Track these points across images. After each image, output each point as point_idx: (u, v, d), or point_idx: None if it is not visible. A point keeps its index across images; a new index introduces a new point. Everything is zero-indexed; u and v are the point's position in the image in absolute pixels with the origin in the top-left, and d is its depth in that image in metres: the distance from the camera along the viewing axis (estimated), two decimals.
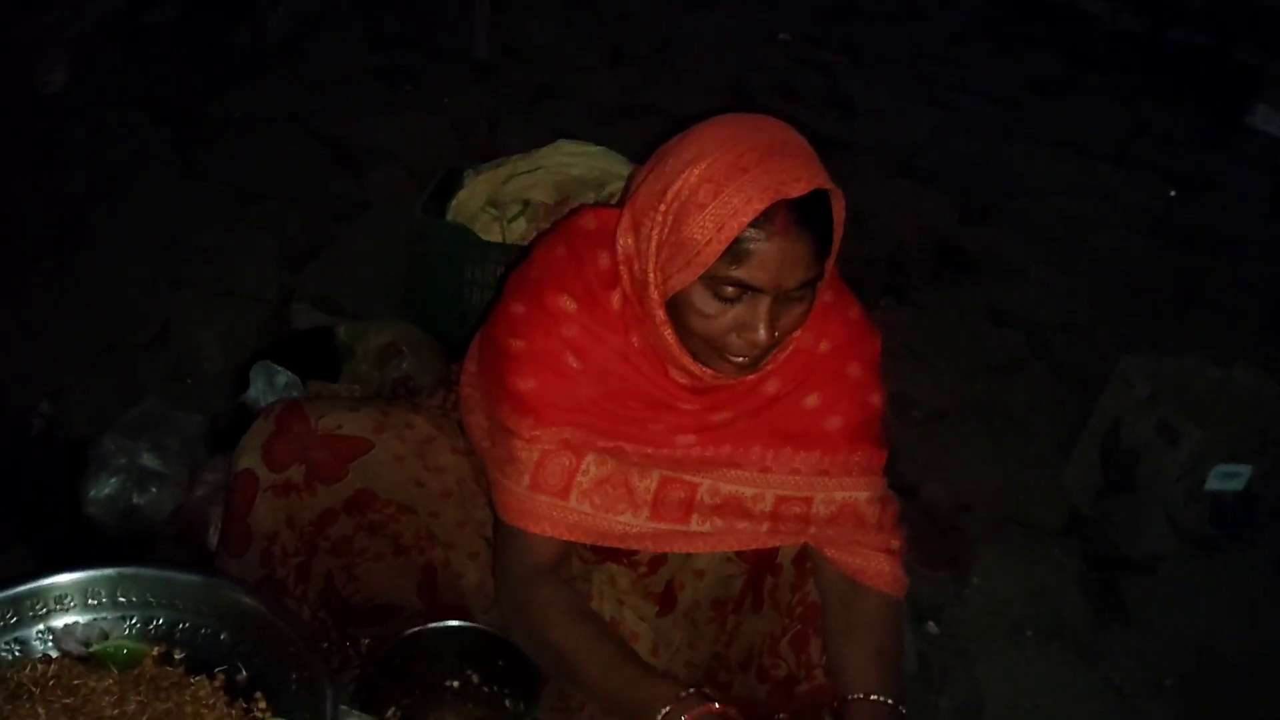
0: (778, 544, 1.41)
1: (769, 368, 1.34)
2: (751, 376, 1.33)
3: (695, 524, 1.39)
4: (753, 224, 1.17)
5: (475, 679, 1.58)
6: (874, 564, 1.39)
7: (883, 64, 4.49)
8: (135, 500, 1.96)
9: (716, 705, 1.20)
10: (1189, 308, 3.22)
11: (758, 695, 1.47)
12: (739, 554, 1.45)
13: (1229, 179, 3.96)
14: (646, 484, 1.37)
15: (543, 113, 3.65)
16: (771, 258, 1.18)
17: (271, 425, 1.45)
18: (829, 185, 1.21)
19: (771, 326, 1.22)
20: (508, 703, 1.56)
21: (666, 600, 1.51)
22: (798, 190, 1.17)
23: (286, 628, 1.23)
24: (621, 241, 1.29)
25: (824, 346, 1.39)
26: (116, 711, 1.12)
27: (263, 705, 1.21)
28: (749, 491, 1.38)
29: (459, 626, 1.57)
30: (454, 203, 2.49)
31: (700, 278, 1.20)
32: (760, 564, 1.45)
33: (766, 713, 1.48)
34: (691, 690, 1.23)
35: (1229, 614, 2.25)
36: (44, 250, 2.63)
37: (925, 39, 4.81)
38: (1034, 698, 2.00)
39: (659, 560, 1.50)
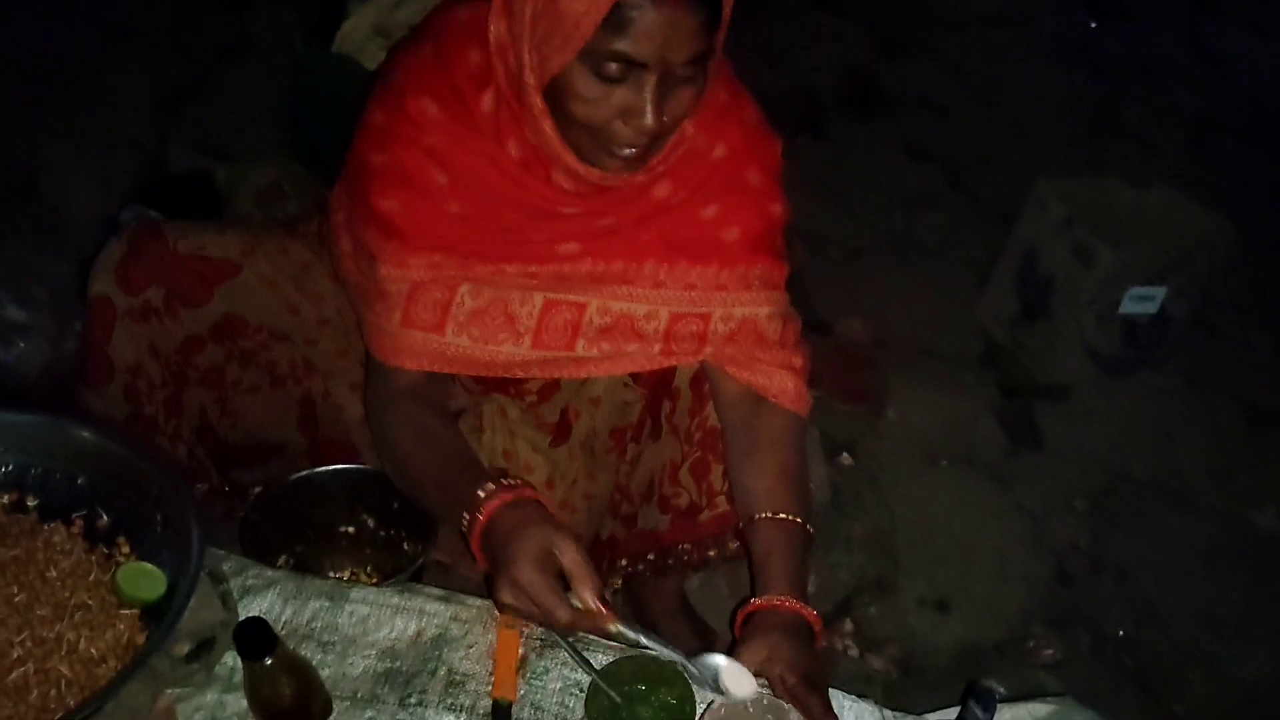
0: (672, 364, 1.33)
1: (659, 169, 1.24)
2: (641, 178, 1.23)
3: (582, 348, 1.29)
4: None
5: (370, 523, 1.52)
6: (776, 381, 1.32)
7: None
8: (1, 356, 1.83)
9: (527, 492, 1.14)
10: (1107, 135, 3.19)
11: (660, 526, 1.43)
12: (635, 379, 1.36)
13: (1148, 7, 3.89)
14: (529, 309, 1.26)
15: None
16: (655, 26, 1.06)
17: (124, 246, 1.33)
18: None
19: (659, 109, 1.10)
20: (405, 545, 1.50)
21: (561, 430, 1.44)
22: None
23: (148, 466, 1.14)
24: (493, 28, 1.16)
25: (720, 151, 1.28)
26: None
27: (125, 550, 1.13)
28: (641, 309, 1.28)
29: (349, 469, 1.50)
30: (339, 33, 2.32)
31: (579, 56, 1.08)
32: (658, 388, 1.37)
33: (670, 542, 1.44)
34: (505, 481, 1.15)
35: (1140, 435, 2.26)
36: None
37: None
38: (946, 522, 2.00)
39: (551, 388, 1.43)
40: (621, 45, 1.06)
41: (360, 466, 1.52)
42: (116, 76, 2.63)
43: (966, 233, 2.76)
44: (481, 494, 1.14)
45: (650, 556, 1.47)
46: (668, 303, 1.28)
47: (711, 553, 1.43)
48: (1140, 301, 2.23)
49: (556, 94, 1.12)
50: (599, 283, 1.27)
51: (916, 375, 2.32)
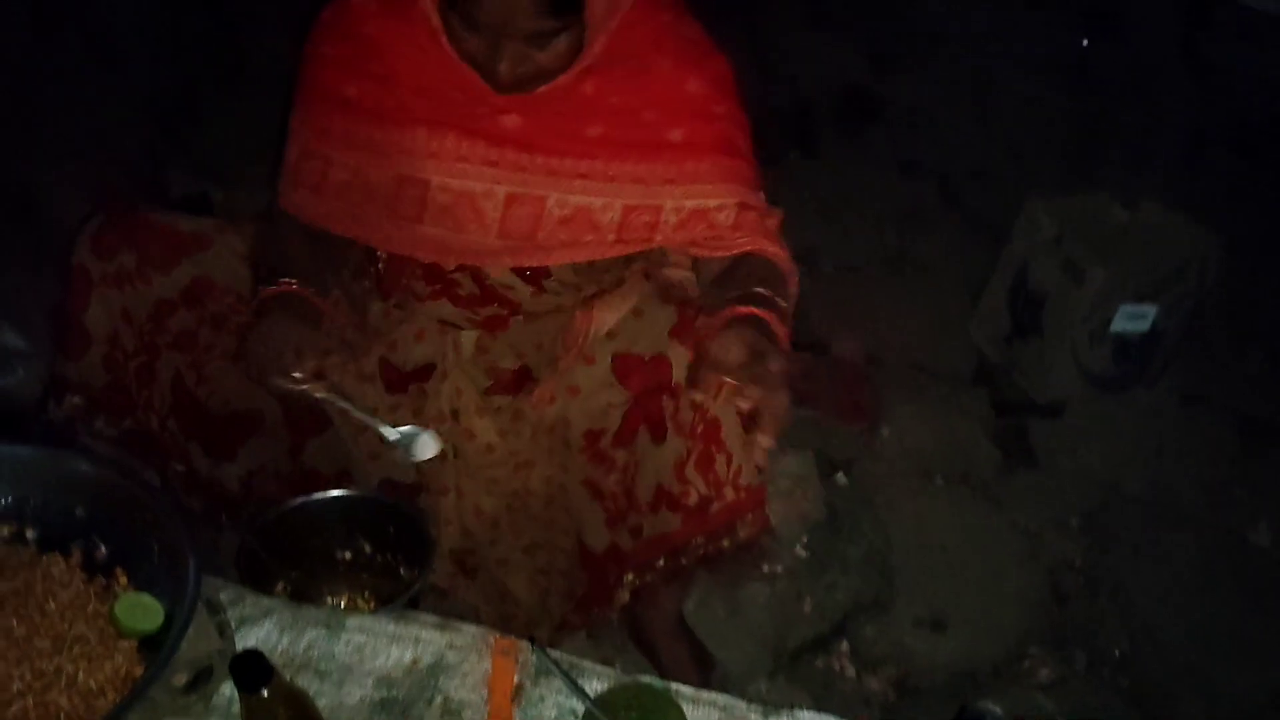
0: (623, 254, 1.42)
1: (581, 66, 1.32)
2: (562, 80, 1.32)
3: (543, 238, 1.39)
4: None
5: (367, 548, 1.53)
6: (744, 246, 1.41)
7: None
8: None
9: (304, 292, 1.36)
10: (1100, 151, 3.20)
11: (672, 527, 1.43)
12: (621, 380, 1.40)
13: (1140, 21, 3.90)
14: (493, 204, 1.37)
15: None
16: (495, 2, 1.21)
17: (101, 218, 1.45)
18: None
19: (513, 64, 1.26)
20: (402, 571, 1.51)
21: (510, 382, 1.53)
22: None
23: (145, 497, 1.15)
24: None
25: (660, 65, 1.37)
26: None
27: (123, 581, 1.14)
28: (597, 202, 1.37)
29: (345, 496, 1.51)
30: None
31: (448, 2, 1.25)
32: (651, 393, 1.39)
33: (683, 540, 1.44)
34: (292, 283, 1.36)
35: (1133, 452, 2.27)
36: None
37: None
38: (941, 541, 2.01)
39: (498, 321, 1.50)
40: (470, 7, 1.23)
41: (356, 493, 1.53)
42: (113, 99, 2.63)
43: (960, 249, 2.77)
44: (277, 286, 1.37)
45: (660, 563, 1.46)
46: (621, 195, 1.37)
47: (725, 543, 1.44)
48: (1132, 319, 2.24)
49: (447, 20, 1.28)
50: (555, 175, 1.36)
51: (911, 393, 2.33)
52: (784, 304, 1.36)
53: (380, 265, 1.53)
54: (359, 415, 1.35)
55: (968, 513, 2.09)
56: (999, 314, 2.43)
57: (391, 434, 1.34)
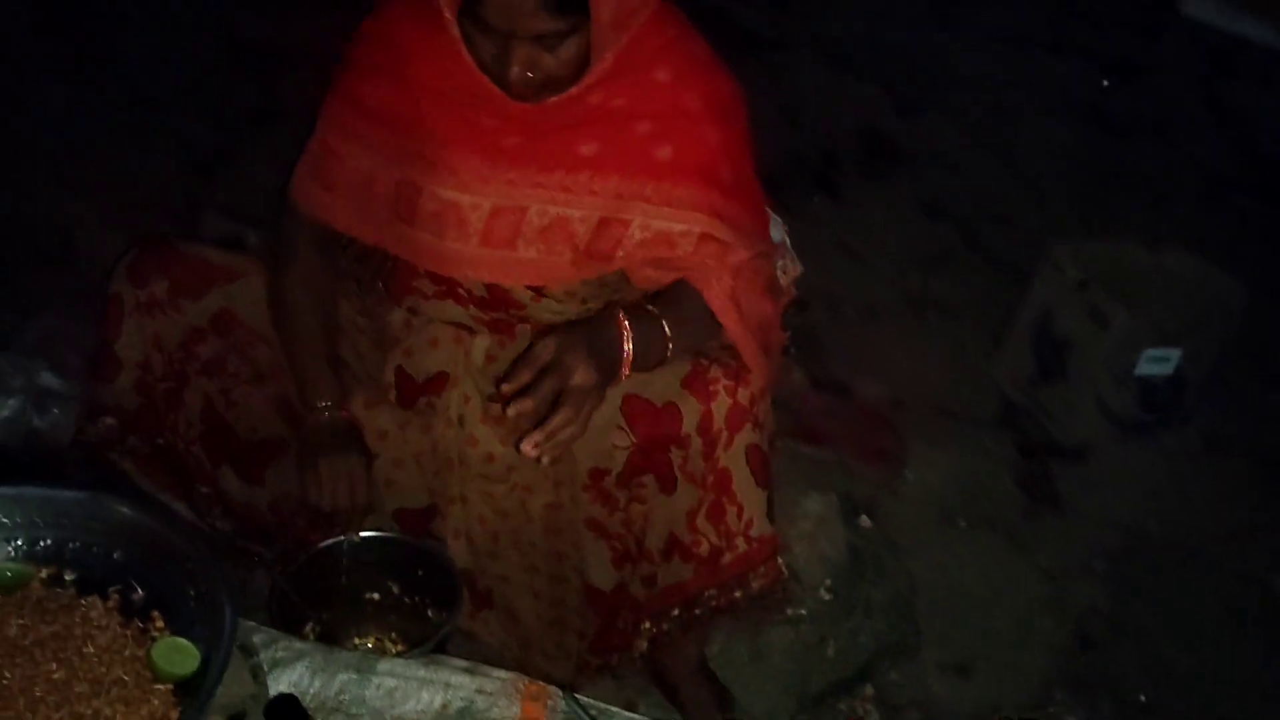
0: (579, 277, 1.44)
1: (589, 81, 1.34)
2: (574, 89, 1.34)
3: (522, 248, 1.41)
4: None
5: (395, 590, 1.55)
6: (704, 281, 1.41)
7: None
8: (36, 423, 1.87)
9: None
10: (1121, 194, 3.21)
11: (684, 576, 1.44)
12: (630, 423, 1.40)
13: (1161, 66, 3.93)
14: (479, 215, 1.40)
15: None
16: (501, 4, 1.23)
17: (136, 250, 1.52)
18: None
19: (523, 67, 1.28)
20: (430, 613, 1.52)
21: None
22: None
23: (182, 541, 1.17)
24: None
25: (662, 75, 1.39)
26: None
27: (160, 624, 1.16)
28: (576, 214, 1.39)
29: (375, 537, 1.54)
30: None
31: (461, 10, 1.27)
32: (660, 441, 1.40)
33: (696, 590, 1.45)
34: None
35: (1158, 496, 2.27)
36: None
37: None
38: (966, 585, 2.01)
39: (504, 326, 1.52)
40: (480, 9, 1.26)
41: (383, 534, 1.55)
42: (150, 142, 2.69)
43: (983, 292, 2.78)
44: (322, 407, 1.48)
45: (675, 612, 1.48)
46: (599, 208, 1.40)
47: (737, 594, 1.45)
48: (1156, 363, 2.25)
49: (463, 27, 1.31)
50: (541, 188, 1.40)
51: (934, 435, 2.33)
52: (666, 326, 1.37)
53: (389, 265, 1.58)
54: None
55: (992, 556, 2.09)
56: (1023, 356, 2.44)
57: None
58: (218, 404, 1.54)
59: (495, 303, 1.50)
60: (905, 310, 2.69)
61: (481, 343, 1.54)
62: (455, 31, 1.31)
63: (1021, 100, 3.59)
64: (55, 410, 1.89)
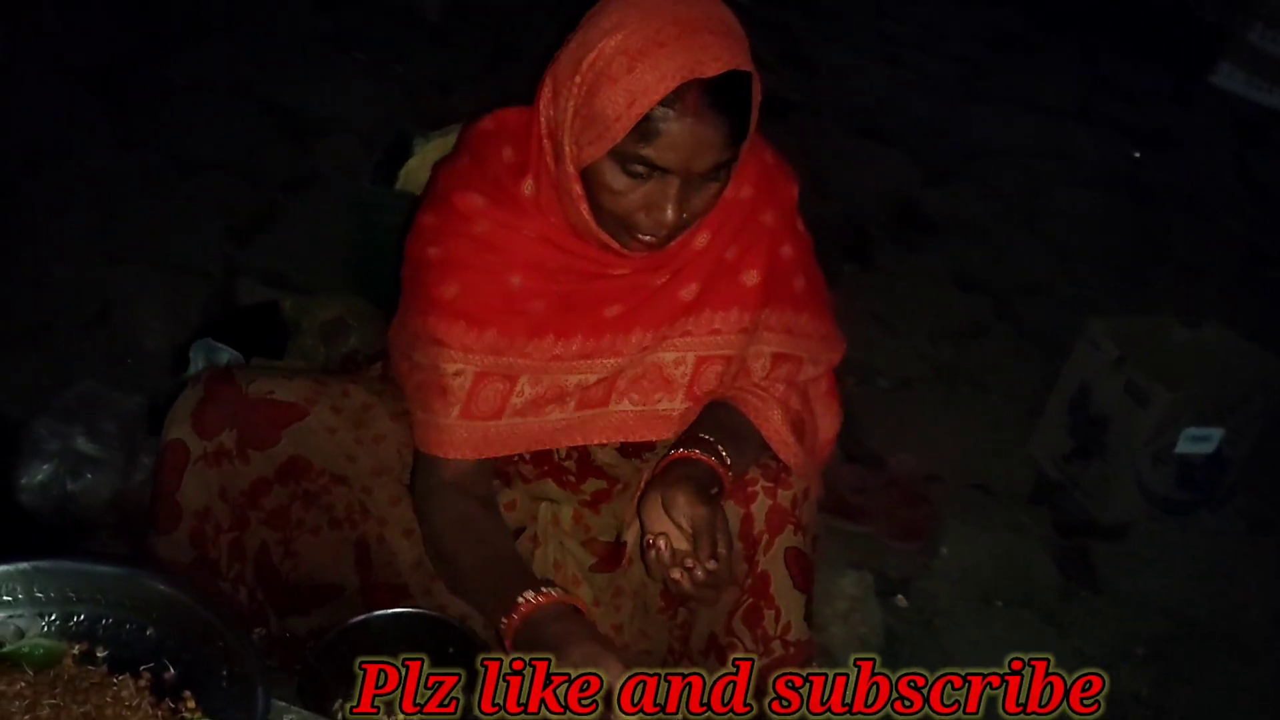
0: (693, 415, 1.38)
1: (697, 224, 1.30)
2: (690, 231, 1.30)
3: (615, 402, 1.38)
4: (663, 102, 1.14)
5: None
6: (758, 406, 1.37)
7: (841, 23, 4.40)
8: (69, 487, 1.87)
9: (572, 601, 1.25)
10: (1154, 266, 3.20)
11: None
12: None
13: (1193, 137, 3.93)
14: (578, 384, 1.36)
15: (496, 77, 3.55)
16: (681, 138, 1.16)
17: (200, 392, 1.40)
18: (748, 66, 1.19)
19: (680, 208, 1.21)
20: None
21: (610, 556, 1.46)
22: (713, 70, 1.15)
23: (216, 620, 1.15)
24: (543, 112, 1.26)
25: (744, 192, 1.36)
26: (28, 717, 1.05)
27: (191, 705, 1.13)
28: (670, 357, 1.36)
29: (404, 613, 1.51)
30: (404, 171, 2.39)
31: (610, 153, 1.18)
32: None
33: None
34: (548, 591, 1.24)
35: (1199, 578, 2.22)
36: None
37: None
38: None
39: (603, 495, 1.46)
40: (648, 152, 1.17)
41: (414, 610, 1.53)
42: (187, 206, 2.72)
43: (1016, 364, 2.76)
44: (522, 601, 1.22)
45: None
46: (694, 348, 1.36)
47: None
48: (1196, 442, 2.22)
49: (589, 181, 1.24)
50: (645, 350, 1.36)
51: (969, 512, 2.30)
52: (726, 453, 1.31)
53: None
54: None
55: (1029, 637, 2.05)
56: (1059, 433, 2.41)
57: None
58: (274, 554, 1.47)
59: (592, 475, 1.47)
60: (938, 382, 2.68)
61: (568, 507, 1.49)
62: (577, 188, 1.24)
63: (1051, 170, 3.59)
64: (89, 475, 1.89)
